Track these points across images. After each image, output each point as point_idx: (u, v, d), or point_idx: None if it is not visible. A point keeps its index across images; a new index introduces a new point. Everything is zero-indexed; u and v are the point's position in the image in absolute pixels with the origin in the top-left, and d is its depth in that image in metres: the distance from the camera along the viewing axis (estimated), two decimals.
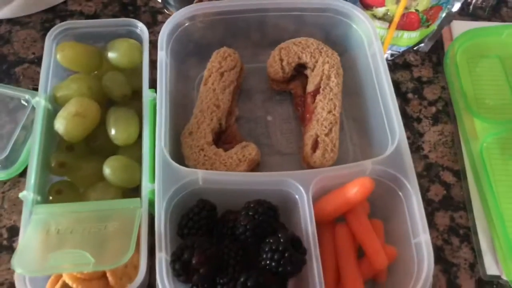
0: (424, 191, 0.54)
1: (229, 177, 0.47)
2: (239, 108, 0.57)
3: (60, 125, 0.48)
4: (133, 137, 0.49)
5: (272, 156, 0.54)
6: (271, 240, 0.42)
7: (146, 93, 0.50)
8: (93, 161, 0.49)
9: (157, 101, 0.49)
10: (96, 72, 0.55)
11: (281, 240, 0.42)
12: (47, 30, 0.61)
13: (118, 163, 0.48)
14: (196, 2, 0.57)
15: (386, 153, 0.47)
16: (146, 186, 0.46)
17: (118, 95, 0.51)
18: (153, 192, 0.45)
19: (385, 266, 0.45)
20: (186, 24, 0.55)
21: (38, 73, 0.58)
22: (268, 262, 0.42)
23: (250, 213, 0.44)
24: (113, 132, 0.49)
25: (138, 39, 0.55)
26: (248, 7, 0.55)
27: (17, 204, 0.51)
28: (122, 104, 0.52)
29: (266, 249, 0.42)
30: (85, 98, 0.50)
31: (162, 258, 0.42)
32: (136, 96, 0.52)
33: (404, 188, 0.46)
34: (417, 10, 0.55)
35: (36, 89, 0.56)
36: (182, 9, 0.54)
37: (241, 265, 0.43)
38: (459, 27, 0.62)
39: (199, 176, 0.45)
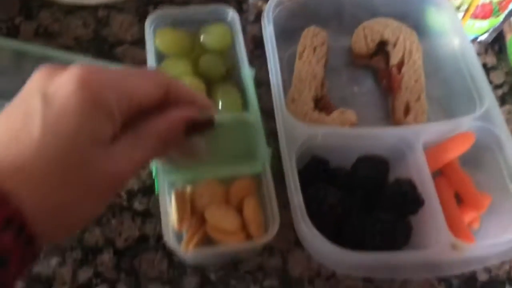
0: None
1: (346, 132, 0.52)
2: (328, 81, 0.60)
3: None
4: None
5: (361, 122, 0.57)
6: (394, 184, 0.48)
7: (247, 71, 0.53)
8: None
9: (270, 68, 0.53)
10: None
11: (403, 184, 0.47)
12: (141, 15, 0.65)
13: None
14: None
15: (480, 111, 0.52)
16: (263, 151, 0.48)
17: (216, 74, 0.55)
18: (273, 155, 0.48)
19: (485, 208, 0.51)
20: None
21: (137, 53, 0.62)
22: (392, 202, 0.47)
23: (369, 165, 0.49)
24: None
25: (227, 23, 0.58)
26: None
27: None
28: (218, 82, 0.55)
29: (388, 193, 0.48)
30: (191, 77, 0.53)
31: (300, 200, 0.45)
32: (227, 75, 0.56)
33: (497, 141, 0.52)
34: (491, 1, 0.61)
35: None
36: None
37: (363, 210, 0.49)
38: None
39: (318, 132, 0.50)
